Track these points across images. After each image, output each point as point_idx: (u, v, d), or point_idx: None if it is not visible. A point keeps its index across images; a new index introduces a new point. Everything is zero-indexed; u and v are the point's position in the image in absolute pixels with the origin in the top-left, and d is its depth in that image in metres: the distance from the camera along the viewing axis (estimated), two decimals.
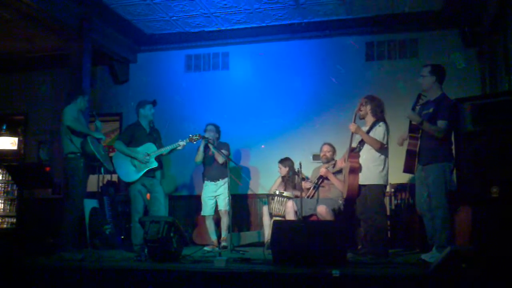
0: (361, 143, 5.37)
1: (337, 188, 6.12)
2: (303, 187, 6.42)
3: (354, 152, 5.34)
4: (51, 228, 6.07)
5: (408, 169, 4.89)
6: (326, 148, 6.50)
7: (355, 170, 5.27)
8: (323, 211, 5.89)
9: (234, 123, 7.79)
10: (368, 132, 5.30)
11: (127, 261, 4.98)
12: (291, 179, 6.72)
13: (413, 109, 4.86)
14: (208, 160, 6.64)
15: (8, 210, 7.82)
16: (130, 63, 8.68)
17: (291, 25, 7.83)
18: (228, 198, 6.34)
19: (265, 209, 6.59)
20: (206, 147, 6.60)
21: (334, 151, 6.52)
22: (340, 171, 6.19)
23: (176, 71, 8.52)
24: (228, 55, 8.36)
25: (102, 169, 6.00)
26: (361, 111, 5.37)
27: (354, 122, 5.34)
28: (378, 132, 5.25)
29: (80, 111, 5.83)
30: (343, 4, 7.10)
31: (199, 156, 6.64)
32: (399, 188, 6.71)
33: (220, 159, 6.48)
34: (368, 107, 5.34)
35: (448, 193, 4.67)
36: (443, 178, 4.66)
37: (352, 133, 5.40)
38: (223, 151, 6.47)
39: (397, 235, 6.43)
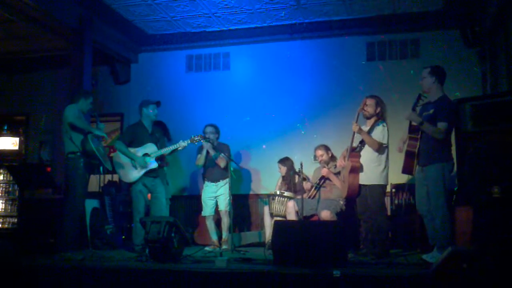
0: (362, 142, 5.37)
1: (338, 189, 6.11)
2: (304, 187, 6.42)
3: (355, 152, 5.34)
4: (52, 228, 6.07)
5: (407, 170, 4.89)
6: (319, 153, 6.44)
7: (356, 169, 5.27)
8: (327, 216, 5.86)
9: (235, 124, 7.79)
10: (369, 131, 5.30)
11: (128, 261, 4.99)
12: (292, 178, 6.71)
13: (413, 109, 4.86)
14: (209, 161, 6.61)
15: (9, 210, 7.82)
16: (131, 63, 8.68)
17: (292, 25, 7.82)
18: (229, 198, 6.34)
19: (266, 209, 6.59)
20: (207, 151, 6.58)
21: (327, 151, 6.45)
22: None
23: (177, 71, 8.52)
24: (229, 56, 8.36)
25: (101, 168, 6.00)
26: (365, 110, 5.35)
27: (357, 121, 5.34)
28: (379, 131, 5.25)
29: (81, 112, 5.82)
30: (344, 4, 7.10)
31: (201, 160, 6.61)
32: (399, 188, 6.70)
33: (222, 164, 6.46)
34: (378, 109, 5.34)
35: (448, 193, 4.67)
36: (442, 178, 4.65)
37: (354, 133, 5.40)
38: (223, 153, 6.44)
39: (398, 235, 6.43)
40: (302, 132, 7.75)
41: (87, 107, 5.89)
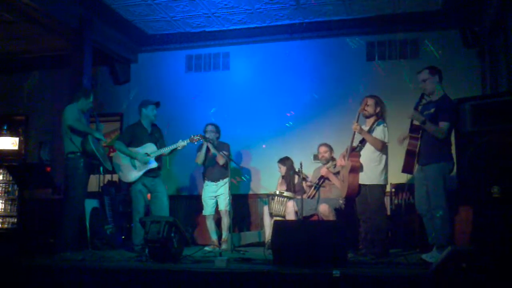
0: (362, 142, 5.37)
1: (337, 188, 6.11)
2: (304, 186, 6.42)
3: (355, 152, 5.34)
4: (52, 228, 6.07)
5: (407, 169, 4.88)
6: (322, 149, 6.48)
7: (356, 169, 5.27)
8: (325, 210, 5.89)
9: (235, 124, 7.79)
10: (369, 131, 5.31)
11: (128, 261, 4.99)
12: (291, 178, 6.71)
13: (416, 108, 4.85)
14: (209, 160, 6.62)
15: (8, 210, 7.82)
16: (131, 63, 8.69)
17: (292, 25, 7.83)
18: (228, 198, 6.34)
19: (265, 209, 6.59)
20: (207, 148, 6.59)
21: (331, 150, 6.50)
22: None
23: (177, 71, 8.53)
24: (228, 55, 8.36)
25: (102, 168, 6.00)
26: (366, 110, 5.35)
27: (357, 121, 5.34)
28: (380, 131, 5.26)
29: (81, 111, 5.82)
30: (343, 4, 7.10)
31: (200, 158, 6.63)
32: (399, 187, 6.70)
33: (221, 161, 6.47)
34: (378, 109, 5.34)
35: (447, 193, 4.67)
36: (442, 178, 4.65)
37: (354, 132, 5.40)
38: (223, 151, 6.46)
39: (397, 235, 6.43)
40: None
41: (88, 105, 5.88)
